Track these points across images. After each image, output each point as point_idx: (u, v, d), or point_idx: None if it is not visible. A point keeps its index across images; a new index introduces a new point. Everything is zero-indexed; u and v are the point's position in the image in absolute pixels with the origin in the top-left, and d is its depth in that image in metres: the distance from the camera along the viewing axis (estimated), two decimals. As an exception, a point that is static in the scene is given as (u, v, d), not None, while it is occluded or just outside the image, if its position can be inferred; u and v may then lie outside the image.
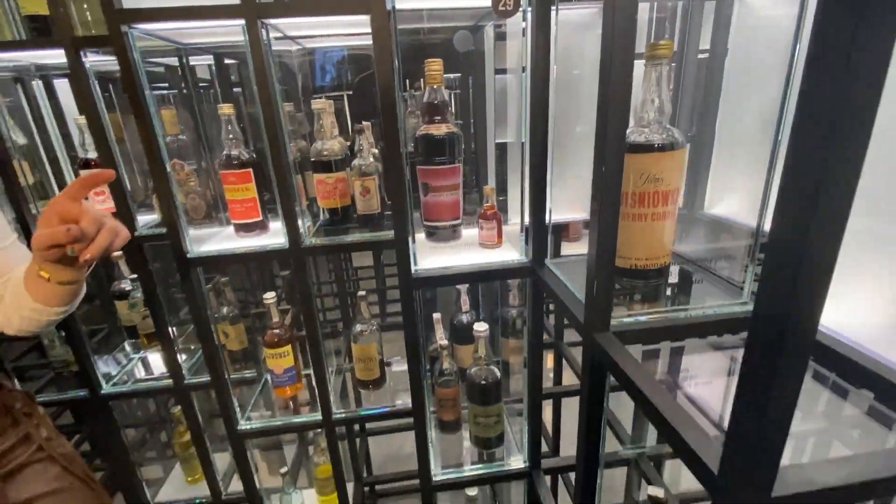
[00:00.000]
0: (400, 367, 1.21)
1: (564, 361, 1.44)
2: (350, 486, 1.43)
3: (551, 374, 1.58)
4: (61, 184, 1.23)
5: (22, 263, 0.72)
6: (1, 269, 0.69)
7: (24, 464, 0.69)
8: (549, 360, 1.73)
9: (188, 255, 0.88)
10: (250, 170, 0.93)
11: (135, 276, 1.28)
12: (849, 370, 0.46)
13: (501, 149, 1.05)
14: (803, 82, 0.25)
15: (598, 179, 0.50)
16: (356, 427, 1.62)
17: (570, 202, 0.83)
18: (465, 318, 1.13)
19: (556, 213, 0.80)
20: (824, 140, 0.24)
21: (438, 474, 0.89)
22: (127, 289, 1.27)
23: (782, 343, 0.27)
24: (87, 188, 0.61)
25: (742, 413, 0.30)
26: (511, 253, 0.80)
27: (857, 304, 0.48)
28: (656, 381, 0.42)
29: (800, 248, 0.25)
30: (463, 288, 1.11)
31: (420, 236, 0.90)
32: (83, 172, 1.08)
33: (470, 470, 0.92)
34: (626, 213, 0.59)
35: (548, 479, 1.01)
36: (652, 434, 0.98)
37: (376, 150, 1.05)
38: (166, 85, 1.22)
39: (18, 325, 0.68)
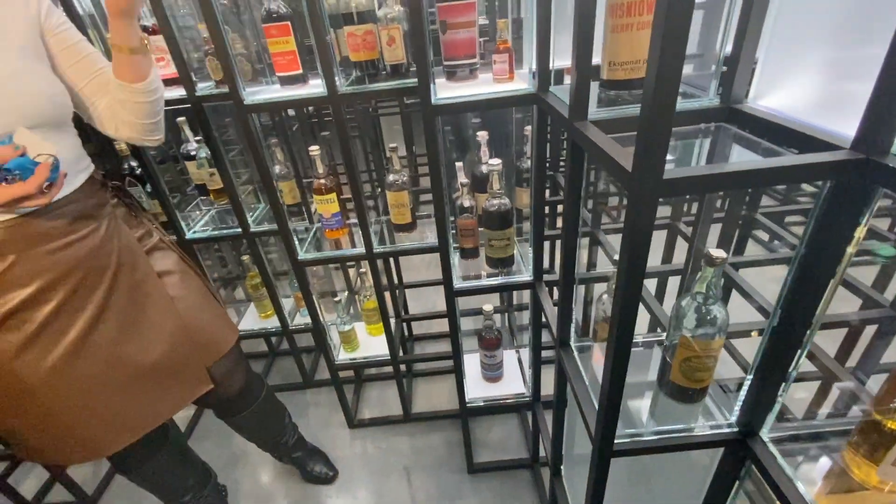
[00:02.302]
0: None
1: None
2: (392, 322, 1.72)
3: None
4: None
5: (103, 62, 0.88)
6: (93, 62, 0.86)
7: (153, 248, 0.94)
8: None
9: (245, 103, 1.04)
10: (289, 23, 1.03)
11: (199, 137, 1.47)
12: (782, 135, 0.56)
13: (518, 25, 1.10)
14: None
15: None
16: (395, 280, 1.88)
17: (567, 53, 0.90)
18: (483, 169, 1.26)
19: (559, 61, 0.88)
20: None
21: (459, 283, 1.10)
22: (193, 151, 1.47)
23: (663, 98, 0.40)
24: None
25: (641, 139, 0.43)
26: (521, 85, 0.90)
27: (797, 89, 0.58)
28: (607, 137, 0.55)
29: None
30: (483, 140, 1.23)
31: (441, 80, 1.01)
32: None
33: (486, 281, 1.13)
34: (616, 25, 0.67)
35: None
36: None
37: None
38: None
39: (127, 115, 0.86)
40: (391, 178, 1.28)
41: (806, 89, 0.55)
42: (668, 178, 0.43)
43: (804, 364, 0.63)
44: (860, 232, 0.49)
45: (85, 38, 0.85)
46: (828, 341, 1.03)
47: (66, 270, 0.80)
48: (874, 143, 0.43)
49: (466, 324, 1.99)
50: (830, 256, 0.50)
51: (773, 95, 0.60)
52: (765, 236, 1.90)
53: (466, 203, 1.16)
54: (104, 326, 0.85)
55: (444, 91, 0.90)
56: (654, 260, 1.10)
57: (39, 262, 0.77)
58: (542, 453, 1.46)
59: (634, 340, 0.59)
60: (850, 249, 0.50)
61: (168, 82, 1.27)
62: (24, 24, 0.77)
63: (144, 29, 1.22)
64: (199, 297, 1.01)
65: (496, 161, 1.03)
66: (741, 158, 0.62)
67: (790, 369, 0.61)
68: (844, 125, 0.49)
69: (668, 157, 0.44)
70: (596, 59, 0.69)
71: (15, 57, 0.74)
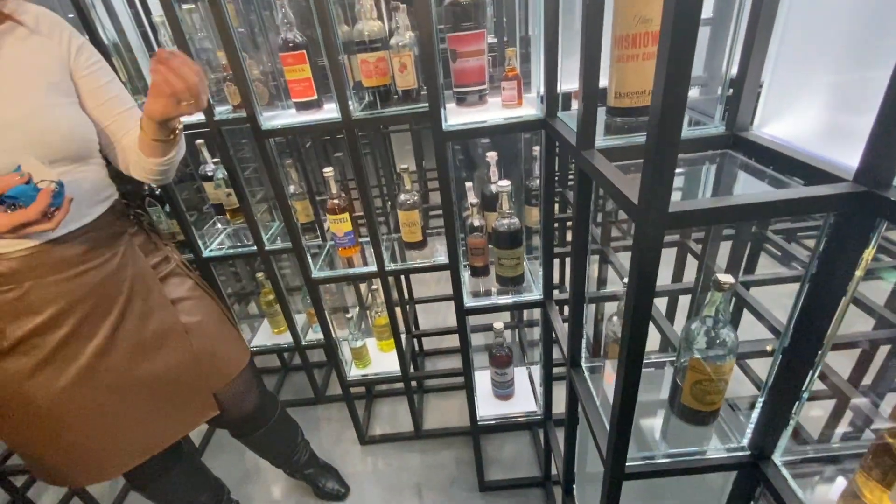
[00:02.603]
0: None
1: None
2: (403, 338, 1.73)
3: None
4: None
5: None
6: (125, 125, 0.90)
7: (169, 274, 0.97)
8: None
9: (262, 128, 1.07)
10: (304, 51, 1.07)
11: (216, 159, 1.52)
12: (786, 164, 0.57)
13: (526, 42, 1.13)
14: None
15: (585, 19, 0.60)
16: (406, 296, 1.90)
17: (576, 75, 0.92)
18: (493, 188, 1.28)
19: (566, 84, 0.90)
20: None
21: (470, 302, 1.12)
22: (210, 171, 1.52)
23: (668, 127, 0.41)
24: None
25: (647, 175, 0.45)
26: (529, 110, 0.92)
27: (801, 118, 0.59)
28: (613, 167, 0.56)
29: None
30: (492, 160, 1.25)
31: (451, 105, 1.04)
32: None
33: (496, 300, 1.14)
34: (622, 56, 0.69)
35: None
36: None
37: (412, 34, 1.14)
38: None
39: (133, 170, 0.90)
40: (402, 197, 1.30)
41: (810, 117, 0.57)
42: (674, 212, 0.45)
43: (817, 385, 0.63)
44: (868, 254, 0.50)
45: (115, 77, 0.88)
46: (843, 361, 1.02)
47: (79, 297, 0.82)
48: (876, 176, 0.44)
49: (477, 339, 2.00)
50: (840, 277, 0.51)
51: (777, 122, 0.62)
52: (777, 251, 1.88)
53: (476, 222, 1.18)
54: (114, 353, 0.87)
55: (455, 116, 0.93)
56: (663, 278, 1.11)
57: (53, 290, 0.79)
58: (553, 471, 1.45)
59: (645, 361, 0.60)
60: (859, 273, 0.51)
61: (188, 107, 1.32)
62: (55, 62, 0.80)
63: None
64: (211, 321, 1.03)
65: (505, 182, 1.05)
66: (747, 187, 0.63)
67: (802, 390, 0.61)
68: (849, 154, 0.50)
69: (677, 169, 0.45)
70: (603, 82, 0.70)
71: (40, 94, 0.76)
